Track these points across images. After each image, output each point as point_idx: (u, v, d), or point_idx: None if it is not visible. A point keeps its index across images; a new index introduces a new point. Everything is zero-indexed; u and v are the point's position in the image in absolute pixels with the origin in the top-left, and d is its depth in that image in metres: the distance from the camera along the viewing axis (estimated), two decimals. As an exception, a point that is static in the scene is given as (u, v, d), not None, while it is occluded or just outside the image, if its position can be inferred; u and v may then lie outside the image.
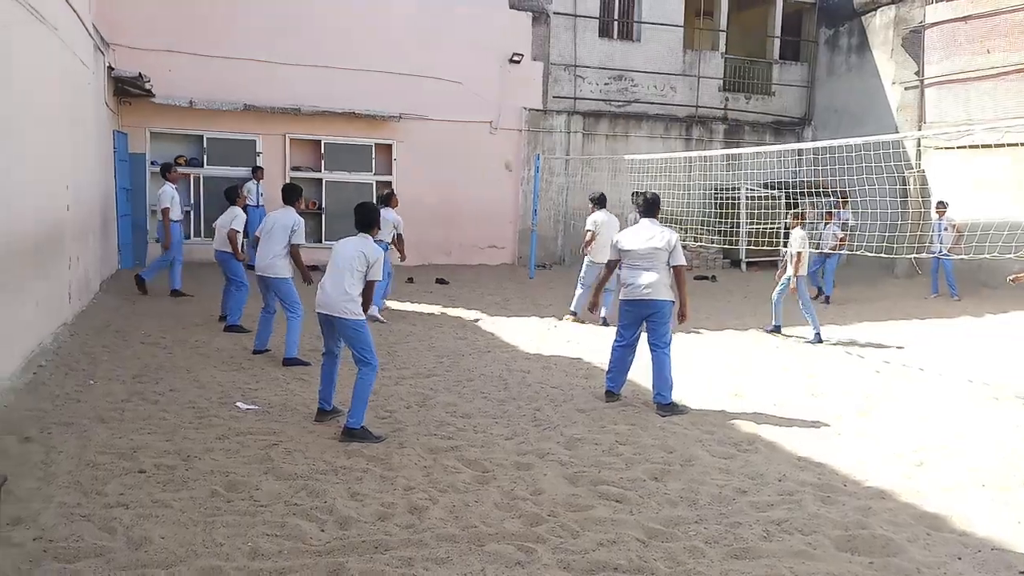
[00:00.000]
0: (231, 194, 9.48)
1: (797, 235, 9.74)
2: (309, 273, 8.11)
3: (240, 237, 9.27)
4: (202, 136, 15.37)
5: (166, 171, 11.65)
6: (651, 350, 6.62)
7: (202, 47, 14.92)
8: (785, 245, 10.13)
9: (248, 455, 5.11)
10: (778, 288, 10.09)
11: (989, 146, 14.14)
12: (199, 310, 10.39)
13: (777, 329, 10.19)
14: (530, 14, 17.36)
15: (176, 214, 11.39)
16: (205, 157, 15.41)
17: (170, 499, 4.36)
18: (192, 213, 15.28)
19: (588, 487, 4.81)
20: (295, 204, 7.85)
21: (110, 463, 4.84)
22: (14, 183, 6.47)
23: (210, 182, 15.13)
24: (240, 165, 15.24)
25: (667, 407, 6.49)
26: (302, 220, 7.85)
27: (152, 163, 14.58)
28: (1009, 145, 14.31)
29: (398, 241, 10.56)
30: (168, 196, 11.24)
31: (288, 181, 12.54)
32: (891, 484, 5.04)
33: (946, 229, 13.32)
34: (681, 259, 6.58)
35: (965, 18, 15.49)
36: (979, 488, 5.01)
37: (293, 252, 7.76)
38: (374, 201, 11.12)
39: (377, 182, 16.54)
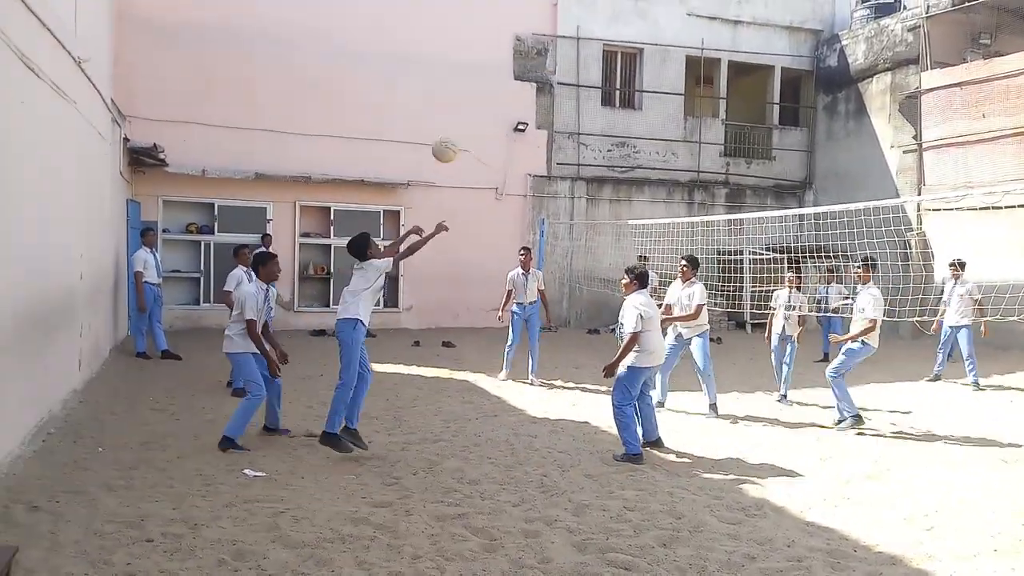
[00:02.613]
0: (235, 252, 9.62)
1: (795, 296, 9.93)
2: (269, 351, 7.21)
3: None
4: (213, 204, 15.66)
5: (143, 235, 11.98)
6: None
7: (215, 118, 15.33)
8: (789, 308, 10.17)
9: (255, 523, 5.10)
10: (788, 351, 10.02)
11: (988, 208, 14.31)
12: (207, 376, 10.45)
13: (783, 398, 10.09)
14: (534, 84, 17.82)
15: (152, 277, 11.68)
16: (216, 224, 15.66)
17: (177, 568, 4.35)
18: (201, 279, 15.46)
19: (596, 554, 4.78)
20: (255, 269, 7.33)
21: (117, 532, 4.84)
22: (30, 250, 6.62)
23: (221, 248, 15.35)
24: (250, 232, 15.48)
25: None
26: (251, 289, 7.16)
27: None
28: (1007, 207, 14.50)
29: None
30: (140, 260, 11.58)
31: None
32: (902, 550, 5.00)
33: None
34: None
35: (960, 84, 15.84)
36: (992, 554, 4.96)
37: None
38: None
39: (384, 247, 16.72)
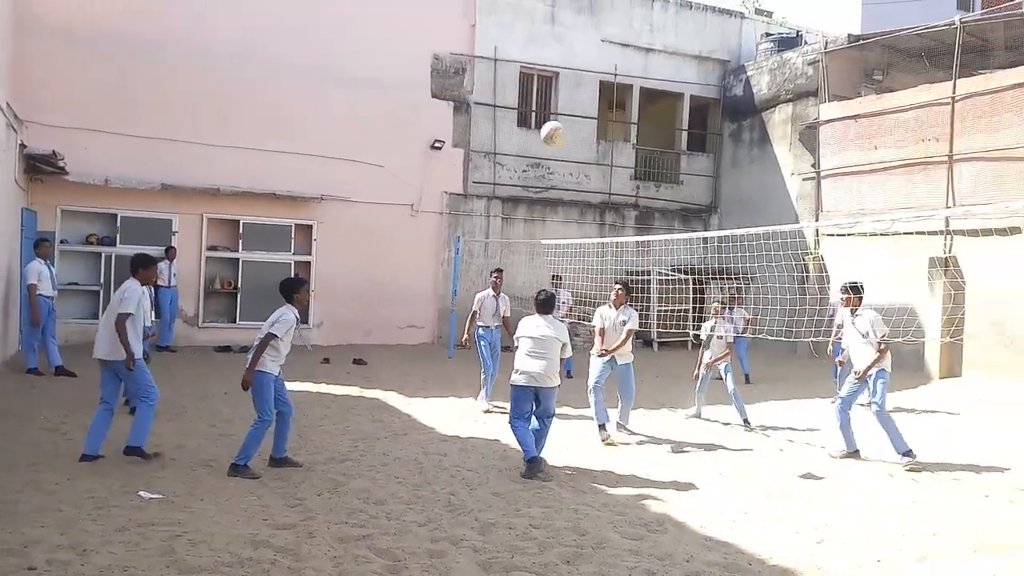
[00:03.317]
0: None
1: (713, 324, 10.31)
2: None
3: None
4: (116, 215, 15.08)
5: (37, 246, 11.49)
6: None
7: (121, 126, 14.79)
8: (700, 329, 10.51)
9: (149, 548, 4.92)
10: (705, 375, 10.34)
11: (877, 235, 15.11)
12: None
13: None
14: (452, 103, 17.90)
15: (46, 289, 11.18)
16: (118, 236, 15.09)
17: (63, 597, 4.16)
18: (101, 292, 14.84)
19: (501, 573, 4.82)
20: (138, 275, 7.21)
21: (-1, 559, 4.60)
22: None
23: (122, 261, 14.75)
24: (154, 244, 14.93)
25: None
26: (137, 289, 7.06)
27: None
28: (894, 234, 15.38)
29: None
30: (34, 272, 11.08)
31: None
32: (794, 562, 5.21)
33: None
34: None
35: (855, 117, 16.73)
36: (875, 565, 5.23)
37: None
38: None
39: (296, 262, 16.48)
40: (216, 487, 6.30)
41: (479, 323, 10.75)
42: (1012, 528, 6.06)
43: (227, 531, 5.30)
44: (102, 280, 14.91)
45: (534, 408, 7.43)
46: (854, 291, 8.37)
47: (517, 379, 7.40)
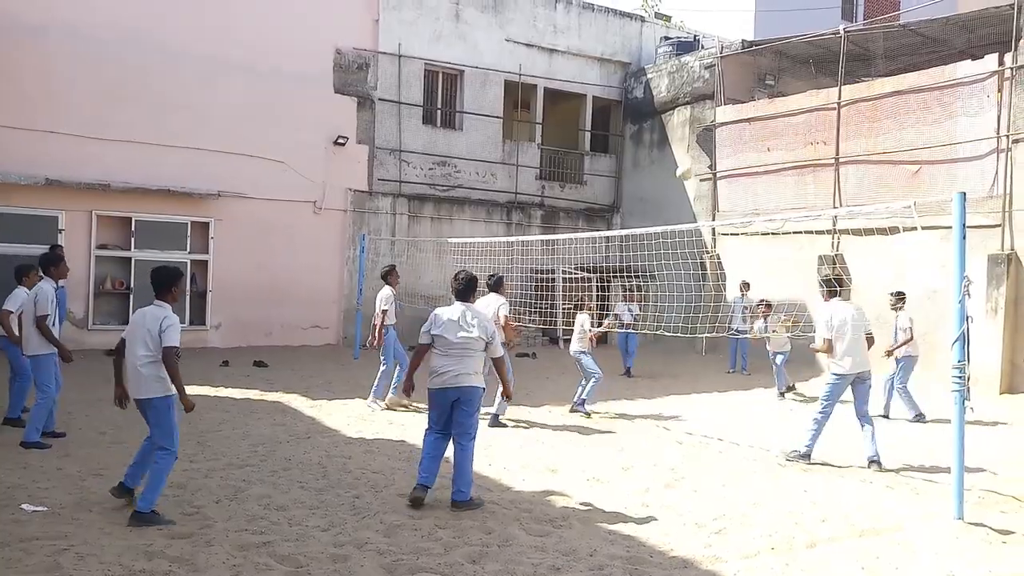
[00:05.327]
0: (19, 272, 8.65)
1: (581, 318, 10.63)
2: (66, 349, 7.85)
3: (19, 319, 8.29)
4: (-6, 211, 14.21)
5: None
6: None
7: (1, 116, 13.92)
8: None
9: (32, 563, 4.66)
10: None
11: (770, 234, 15.76)
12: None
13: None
14: (355, 99, 17.65)
15: None
16: (-3, 234, 14.22)
17: (-66, 621, 3.89)
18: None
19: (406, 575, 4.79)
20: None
21: None
22: None
23: (1, 260, 13.88)
24: (38, 243, 14.00)
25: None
26: (50, 291, 7.76)
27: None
28: (785, 234, 16.08)
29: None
30: None
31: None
32: (693, 553, 5.38)
33: (746, 307, 14.50)
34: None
35: (749, 120, 17.38)
36: (769, 552, 5.46)
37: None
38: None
39: (192, 261, 15.90)
40: (106, 497, 6.00)
41: (389, 322, 10.60)
42: (890, 513, 6.43)
43: (118, 542, 5.07)
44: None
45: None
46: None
47: (434, 381, 6.30)
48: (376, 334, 10.54)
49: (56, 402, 7.84)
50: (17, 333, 8.01)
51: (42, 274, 8.02)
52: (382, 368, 10.49)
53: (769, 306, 13.14)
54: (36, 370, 7.67)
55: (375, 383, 10.45)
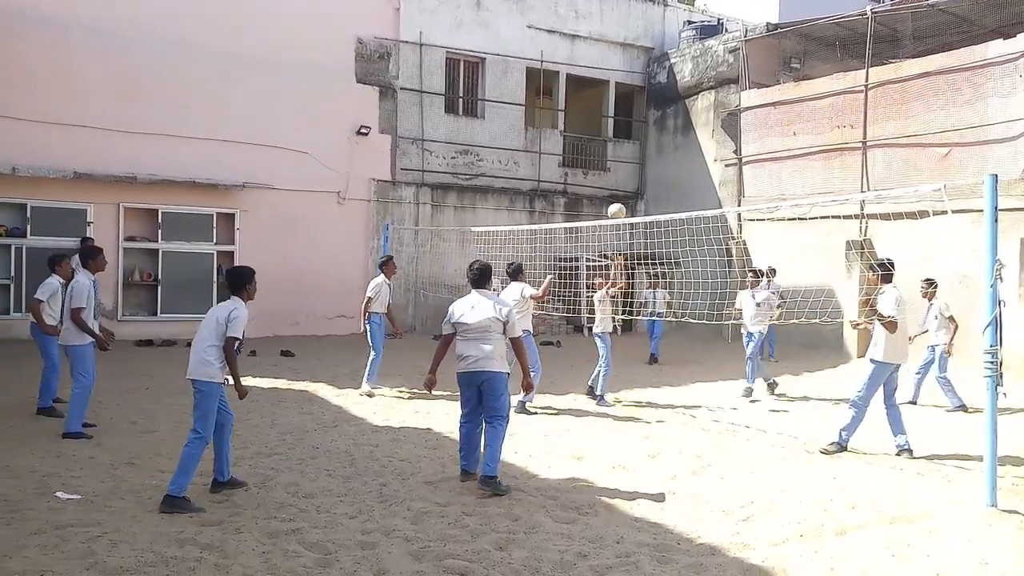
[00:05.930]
0: (52, 262, 8.80)
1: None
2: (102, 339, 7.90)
3: (51, 308, 8.37)
4: (26, 204, 14.41)
5: None
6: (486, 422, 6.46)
7: (30, 112, 14.18)
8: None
9: (68, 550, 4.75)
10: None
11: (796, 219, 15.59)
12: (15, 391, 9.59)
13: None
14: (377, 88, 17.67)
15: None
16: (29, 227, 14.43)
17: (-26, 606, 3.98)
18: (12, 286, 14.18)
19: (433, 562, 4.81)
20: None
21: (-98, 570, 4.37)
22: None
23: (34, 253, 14.12)
24: (68, 235, 14.33)
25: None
26: (86, 283, 7.74)
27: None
28: (812, 219, 15.89)
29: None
30: None
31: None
32: (720, 540, 5.35)
33: (773, 293, 14.11)
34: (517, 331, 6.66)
35: (775, 104, 17.16)
36: (798, 539, 5.42)
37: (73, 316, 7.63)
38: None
39: (218, 252, 16.06)
40: (138, 485, 6.11)
41: (375, 310, 10.75)
42: (920, 500, 6.36)
43: (150, 529, 5.15)
44: (12, 273, 14.24)
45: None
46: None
47: (458, 366, 6.48)
48: (362, 318, 10.80)
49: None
50: (49, 322, 8.16)
51: (80, 266, 8.03)
52: (371, 356, 10.63)
53: (757, 276, 12.05)
54: (73, 359, 7.74)
55: (366, 370, 10.60)
